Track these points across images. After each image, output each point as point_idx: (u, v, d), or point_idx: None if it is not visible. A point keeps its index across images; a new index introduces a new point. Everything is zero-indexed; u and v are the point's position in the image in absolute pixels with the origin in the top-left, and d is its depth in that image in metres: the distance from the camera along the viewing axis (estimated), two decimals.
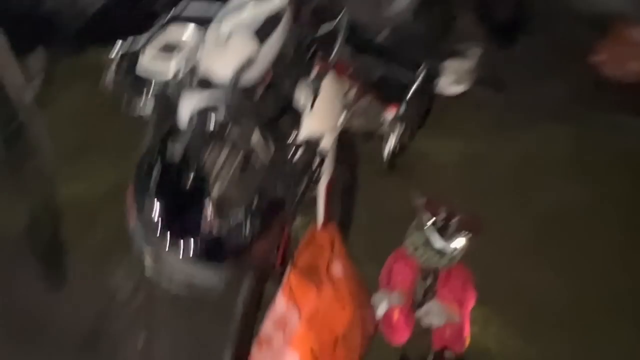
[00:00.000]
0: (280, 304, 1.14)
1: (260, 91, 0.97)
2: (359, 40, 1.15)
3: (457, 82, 1.84)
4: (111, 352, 1.75)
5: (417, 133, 2.23)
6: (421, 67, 1.11)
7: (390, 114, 1.73)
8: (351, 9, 1.06)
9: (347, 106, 1.26)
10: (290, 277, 1.13)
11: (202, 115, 0.84)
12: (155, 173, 0.90)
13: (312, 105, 1.15)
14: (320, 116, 1.18)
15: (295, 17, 1.05)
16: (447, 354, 1.62)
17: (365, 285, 1.45)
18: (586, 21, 2.48)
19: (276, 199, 0.99)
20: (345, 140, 1.46)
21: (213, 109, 0.85)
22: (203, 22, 1.05)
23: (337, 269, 1.19)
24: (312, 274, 1.17)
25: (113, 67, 0.95)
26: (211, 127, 0.83)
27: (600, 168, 2.12)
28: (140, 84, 0.87)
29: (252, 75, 0.93)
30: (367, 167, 2.09)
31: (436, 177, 2.14)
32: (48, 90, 2.31)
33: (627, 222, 1.97)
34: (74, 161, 2.27)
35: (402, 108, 1.04)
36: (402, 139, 1.05)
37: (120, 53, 0.98)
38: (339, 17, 1.09)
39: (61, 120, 2.40)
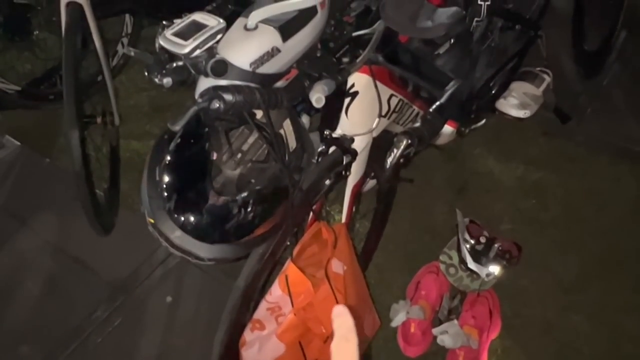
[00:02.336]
0: (276, 291, 1.16)
1: (278, 83, 0.98)
2: (392, 50, 1.14)
3: (522, 106, 1.80)
4: (141, 300, 1.85)
5: (477, 152, 2.21)
6: (449, 85, 1.08)
7: (446, 127, 1.72)
8: (386, 16, 1.04)
9: (388, 113, 1.26)
10: (288, 268, 1.15)
11: (211, 94, 0.87)
12: (173, 144, 0.94)
13: (347, 107, 1.18)
14: (355, 118, 1.18)
15: (336, 23, 1.05)
16: None
17: (366, 287, 1.45)
18: None
19: (285, 187, 1.01)
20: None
21: (223, 89, 0.87)
22: None
23: (337, 266, 1.19)
24: (311, 268, 1.18)
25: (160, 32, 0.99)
26: (217, 106, 0.86)
27: None
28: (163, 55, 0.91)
29: (271, 67, 0.93)
30: (417, 176, 2.09)
31: (489, 198, 2.08)
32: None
33: None
34: (142, 122, 2.41)
35: (415, 124, 1.02)
36: (406, 152, 1.03)
37: (169, 23, 1.02)
38: (376, 24, 1.08)
39: (136, 83, 2.55)
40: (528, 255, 1.83)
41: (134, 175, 2.21)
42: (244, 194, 0.97)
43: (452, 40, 1.51)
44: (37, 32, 2.23)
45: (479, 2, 1.54)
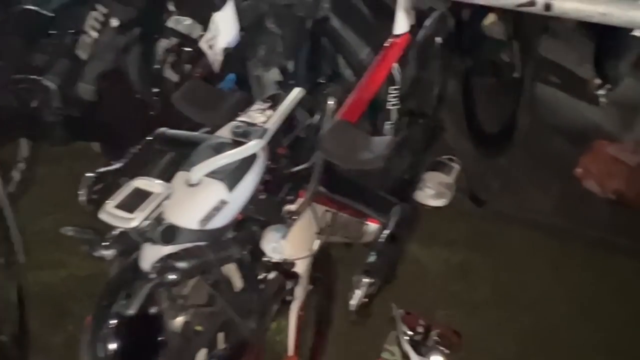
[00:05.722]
0: None
1: (228, 233, 0.95)
2: (334, 180, 1.15)
3: (438, 195, 1.87)
4: None
5: (407, 242, 2.24)
6: (393, 210, 1.10)
7: (371, 225, 1.75)
8: (326, 150, 1.05)
9: (323, 229, 1.24)
10: None
11: (164, 265, 0.82)
12: (113, 314, 0.86)
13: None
14: (294, 242, 1.14)
15: (271, 156, 1.05)
16: None
17: None
18: (569, 136, 2.55)
19: (244, 337, 0.95)
20: (321, 256, 1.42)
21: (176, 257, 0.82)
22: (183, 144, 1.05)
23: None
24: None
25: (86, 186, 0.93)
26: (173, 277, 0.81)
27: (582, 285, 2.08)
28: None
29: (220, 221, 0.91)
30: (344, 271, 2.07)
31: (420, 285, 2.09)
32: (29, 176, 2.31)
33: (609, 344, 1.91)
34: (50, 249, 2.23)
35: (370, 259, 1.01)
36: (370, 291, 1.02)
37: (95, 174, 0.97)
38: (313, 158, 1.09)
39: (40, 207, 2.39)
40: (466, 339, 1.83)
41: (45, 312, 2.02)
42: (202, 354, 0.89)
43: None
44: None
45: (388, 108, 1.61)
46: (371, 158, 1.03)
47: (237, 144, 0.96)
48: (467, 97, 2.47)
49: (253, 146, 0.95)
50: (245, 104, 1.10)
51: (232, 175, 0.92)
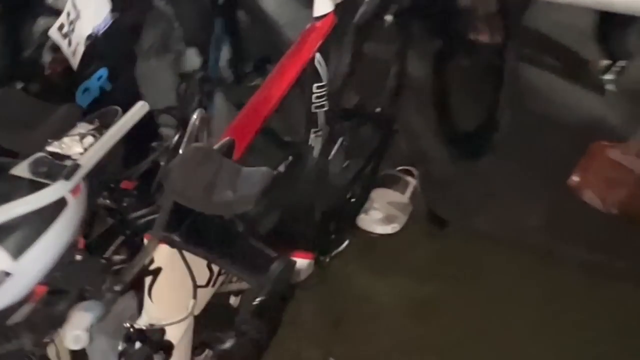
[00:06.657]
0: None
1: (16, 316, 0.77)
2: (195, 225, 0.92)
3: (387, 220, 1.60)
4: None
5: (350, 270, 1.89)
6: (272, 268, 0.88)
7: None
8: (172, 188, 0.83)
9: (212, 279, 1.05)
10: None
11: None
12: None
13: (150, 288, 0.97)
14: (163, 301, 0.99)
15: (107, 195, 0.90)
16: None
17: None
18: (564, 135, 2.19)
19: None
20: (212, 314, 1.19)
21: None
22: None
23: None
24: None
25: None
26: None
27: (580, 321, 1.79)
28: None
29: (4, 299, 0.74)
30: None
31: (372, 329, 1.80)
32: None
33: None
34: None
35: (225, 344, 0.96)
36: None
37: None
38: (158, 201, 0.92)
39: None
40: None
41: None
42: None
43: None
44: None
45: (313, 111, 1.37)
46: (234, 200, 0.82)
47: (35, 186, 0.76)
48: (436, 86, 2.18)
49: (50, 194, 0.75)
50: (73, 123, 0.89)
51: (18, 237, 0.74)
